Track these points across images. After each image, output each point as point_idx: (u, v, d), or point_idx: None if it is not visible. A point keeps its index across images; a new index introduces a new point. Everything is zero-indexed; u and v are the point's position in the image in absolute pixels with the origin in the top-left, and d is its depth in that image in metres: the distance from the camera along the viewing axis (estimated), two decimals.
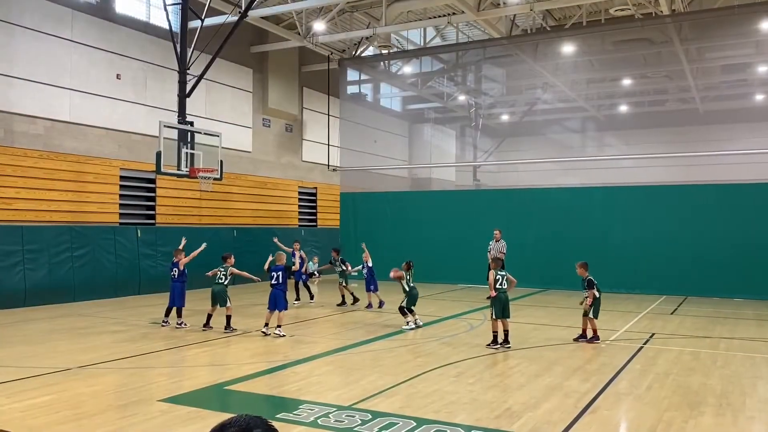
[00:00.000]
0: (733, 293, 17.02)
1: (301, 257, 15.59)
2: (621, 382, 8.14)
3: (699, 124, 27.50)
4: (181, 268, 12.18)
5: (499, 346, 10.18)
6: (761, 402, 7.43)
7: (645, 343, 10.85)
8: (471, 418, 6.54)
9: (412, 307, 12.32)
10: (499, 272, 10.43)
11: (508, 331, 10.31)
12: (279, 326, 11.22)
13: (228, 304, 11.70)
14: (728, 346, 10.78)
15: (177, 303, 12.10)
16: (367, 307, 14.99)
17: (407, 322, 12.21)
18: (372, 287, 14.94)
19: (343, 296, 15.87)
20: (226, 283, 11.85)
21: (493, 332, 10.26)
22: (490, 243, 17.28)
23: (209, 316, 11.80)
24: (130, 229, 17.56)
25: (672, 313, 14.73)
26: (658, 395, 7.49)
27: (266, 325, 11.33)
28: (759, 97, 27.00)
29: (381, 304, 14.95)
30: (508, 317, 10.38)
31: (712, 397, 7.38)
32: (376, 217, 22.83)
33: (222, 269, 11.89)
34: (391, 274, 12.47)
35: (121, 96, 17.63)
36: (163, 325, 12.14)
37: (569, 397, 7.29)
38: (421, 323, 12.32)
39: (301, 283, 16.21)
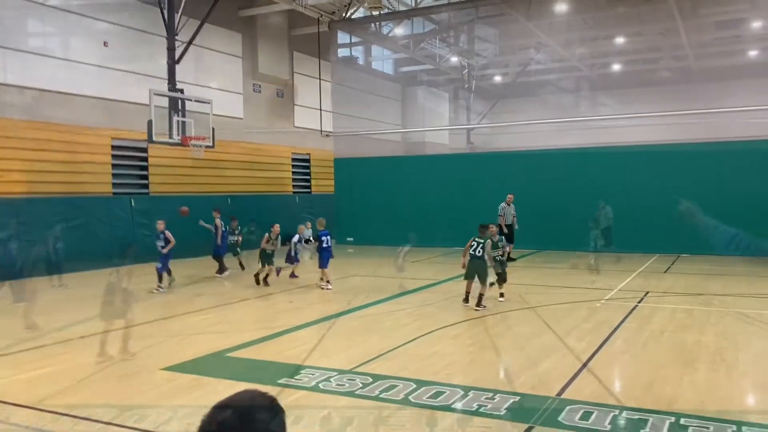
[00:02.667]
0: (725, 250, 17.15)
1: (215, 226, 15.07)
2: (617, 341, 8.26)
3: (693, 83, 27.36)
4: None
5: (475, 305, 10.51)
6: (755, 357, 7.57)
7: (639, 302, 10.99)
8: (469, 378, 6.64)
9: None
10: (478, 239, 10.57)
11: (470, 293, 10.78)
12: (327, 281, 12.66)
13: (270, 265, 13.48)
14: (721, 302, 10.94)
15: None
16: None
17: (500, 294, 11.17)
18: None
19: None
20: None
21: (473, 293, 10.67)
22: (502, 205, 17.26)
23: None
24: (123, 199, 17.48)
25: (665, 272, 14.88)
26: (653, 353, 7.62)
27: (326, 281, 12.68)
28: (753, 53, 26.84)
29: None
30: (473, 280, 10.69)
31: (706, 354, 7.51)
32: (370, 182, 22.78)
33: (273, 236, 13.43)
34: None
35: (109, 64, 17.34)
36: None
37: (566, 357, 7.41)
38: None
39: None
